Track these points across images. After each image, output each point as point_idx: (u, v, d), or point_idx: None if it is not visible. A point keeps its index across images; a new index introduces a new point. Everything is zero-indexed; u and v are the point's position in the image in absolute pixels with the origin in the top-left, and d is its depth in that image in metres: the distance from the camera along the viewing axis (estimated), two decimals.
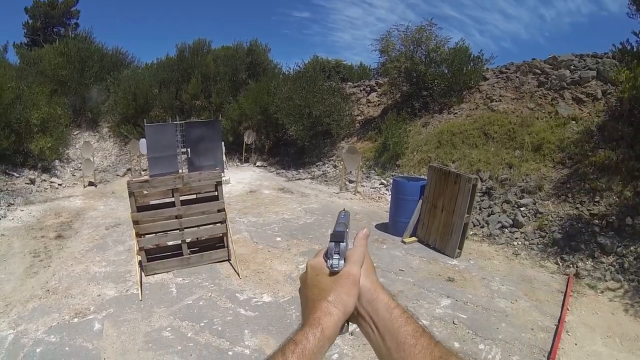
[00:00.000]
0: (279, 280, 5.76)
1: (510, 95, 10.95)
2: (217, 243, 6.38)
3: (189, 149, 11.16)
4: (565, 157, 8.41)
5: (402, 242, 7.39)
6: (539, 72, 10.83)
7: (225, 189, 10.39)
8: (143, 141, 12.12)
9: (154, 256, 6.04)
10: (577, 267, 6.34)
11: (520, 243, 7.29)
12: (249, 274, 5.98)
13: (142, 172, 13.79)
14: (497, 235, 7.61)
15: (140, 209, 5.73)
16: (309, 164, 13.57)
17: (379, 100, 14.92)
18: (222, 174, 10.91)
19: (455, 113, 11.67)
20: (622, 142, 7.66)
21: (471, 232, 7.75)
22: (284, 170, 13.75)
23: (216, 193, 5.93)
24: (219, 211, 6.00)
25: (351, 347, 4.28)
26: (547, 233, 7.17)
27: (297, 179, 12.62)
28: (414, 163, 10.68)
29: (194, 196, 6.26)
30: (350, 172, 11.29)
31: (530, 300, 5.50)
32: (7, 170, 11.74)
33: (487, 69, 12.40)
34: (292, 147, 14.50)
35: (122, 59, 20.35)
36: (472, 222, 7.88)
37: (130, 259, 6.47)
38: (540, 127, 9.26)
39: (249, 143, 15.13)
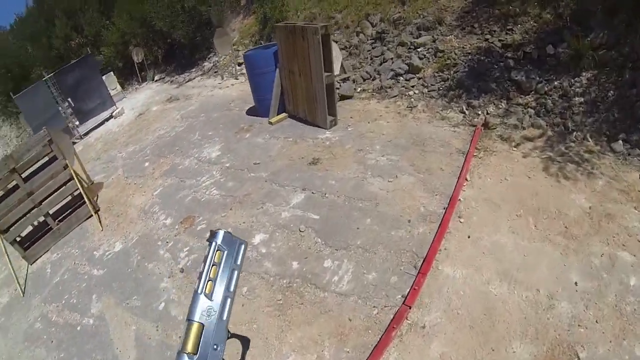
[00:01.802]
0: (133, 219, 5.00)
1: None
2: (79, 201, 5.70)
3: (69, 99, 10.31)
4: None
5: (270, 123, 6.22)
6: None
7: (118, 120, 10.07)
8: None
9: (31, 241, 5.40)
10: (487, 113, 4.95)
11: (417, 92, 5.81)
12: (111, 221, 5.22)
13: None
14: (390, 87, 6.12)
15: None
16: (201, 60, 12.36)
17: None
18: (115, 106, 10.92)
19: None
20: None
21: (359, 88, 6.43)
22: (177, 76, 12.63)
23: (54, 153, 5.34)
24: (64, 168, 5.39)
25: (178, 289, 3.59)
26: (450, 75, 5.66)
27: (188, 81, 11.58)
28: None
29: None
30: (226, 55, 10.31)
31: (417, 173, 4.03)
32: None
33: None
34: (186, 48, 13.08)
35: None
36: (362, 75, 6.62)
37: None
38: None
39: (139, 62, 13.74)
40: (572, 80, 4.65)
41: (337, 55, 6.32)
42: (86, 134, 10.13)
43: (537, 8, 5.42)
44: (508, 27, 5.55)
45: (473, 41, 5.77)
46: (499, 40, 5.51)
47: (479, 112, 4.96)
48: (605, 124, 4.16)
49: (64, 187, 5.38)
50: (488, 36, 5.66)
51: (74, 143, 9.34)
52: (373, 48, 6.87)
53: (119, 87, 13.01)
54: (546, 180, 3.62)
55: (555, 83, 4.74)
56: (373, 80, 6.42)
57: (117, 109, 10.74)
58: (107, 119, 10.45)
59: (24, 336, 3.80)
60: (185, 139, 6.67)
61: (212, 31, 11.65)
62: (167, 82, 12.51)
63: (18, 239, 5.14)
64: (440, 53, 5.91)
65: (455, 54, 5.77)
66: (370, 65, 6.68)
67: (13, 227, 5.08)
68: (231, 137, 6.11)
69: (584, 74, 4.61)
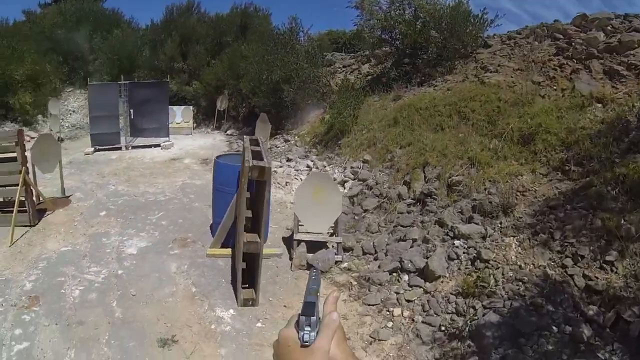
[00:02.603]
0: (26, 258, 4.67)
1: (513, 65, 7.22)
2: (21, 205, 5.62)
3: (131, 110, 10.81)
4: (571, 159, 4.55)
5: (206, 254, 5.01)
6: (561, 36, 7.07)
7: (160, 153, 10.21)
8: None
9: None
10: None
11: (407, 315, 3.79)
12: (23, 244, 5.04)
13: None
14: (380, 286, 4.21)
15: None
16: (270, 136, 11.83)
17: (368, 72, 11.96)
18: (167, 138, 11.05)
19: (436, 86, 8.15)
20: None
21: (345, 264, 4.69)
22: (238, 140, 12.31)
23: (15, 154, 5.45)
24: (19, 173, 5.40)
25: None
26: (472, 307, 3.55)
27: (238, 151, 11.11)
28: (357, 144, 7.86)
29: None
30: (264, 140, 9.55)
31: None
32: None
33: (494, 35, 9.36)
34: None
35: (118, 19, 19.39)
36: (364, 247, 4.87)
37: None
38: (540, 108, 5.47)
39: (221, 110, 14.02)
40: None
41: (337, 206, 4.68)
42: (134, 147, 10.65)
43: None
44: (607, 257, 3.38)
45: (541, 261, 3.69)
46: (584, 277, 3.36)
47: None
48: None
49: (12, 187, 5.43)
50: (569, 261, 3.53)
51: (119, 149, 10.20)
52: (408, 212, 5.13)
53: (192, 122, 13.44)
54: None
55: None
56: (374, 260, 4.57)
57: (168, 141, 10.96)
58: (155, 146, 10.82)
59: None
60: (148, 212, 6.20)
61: (290, 110, 11.50)
62: (228, 142, 12.42)
63: None
64: (481, 264, 3.88)
65: (503, 274, 3.72)
66: (388, 234, 4.89)
67: None
68: (165, 242, 5.30)
69: None
